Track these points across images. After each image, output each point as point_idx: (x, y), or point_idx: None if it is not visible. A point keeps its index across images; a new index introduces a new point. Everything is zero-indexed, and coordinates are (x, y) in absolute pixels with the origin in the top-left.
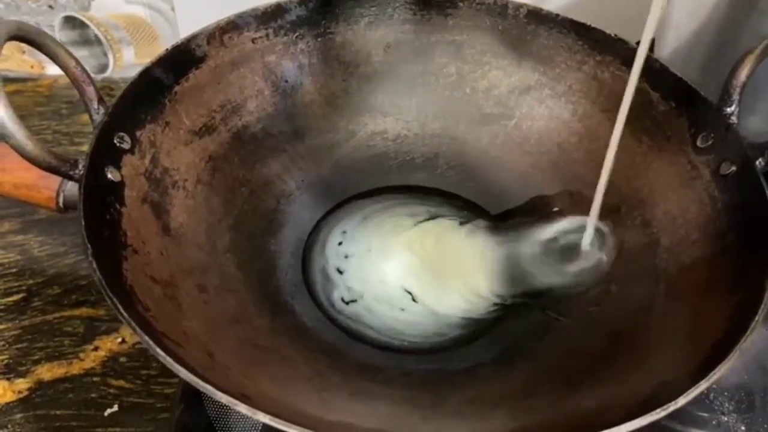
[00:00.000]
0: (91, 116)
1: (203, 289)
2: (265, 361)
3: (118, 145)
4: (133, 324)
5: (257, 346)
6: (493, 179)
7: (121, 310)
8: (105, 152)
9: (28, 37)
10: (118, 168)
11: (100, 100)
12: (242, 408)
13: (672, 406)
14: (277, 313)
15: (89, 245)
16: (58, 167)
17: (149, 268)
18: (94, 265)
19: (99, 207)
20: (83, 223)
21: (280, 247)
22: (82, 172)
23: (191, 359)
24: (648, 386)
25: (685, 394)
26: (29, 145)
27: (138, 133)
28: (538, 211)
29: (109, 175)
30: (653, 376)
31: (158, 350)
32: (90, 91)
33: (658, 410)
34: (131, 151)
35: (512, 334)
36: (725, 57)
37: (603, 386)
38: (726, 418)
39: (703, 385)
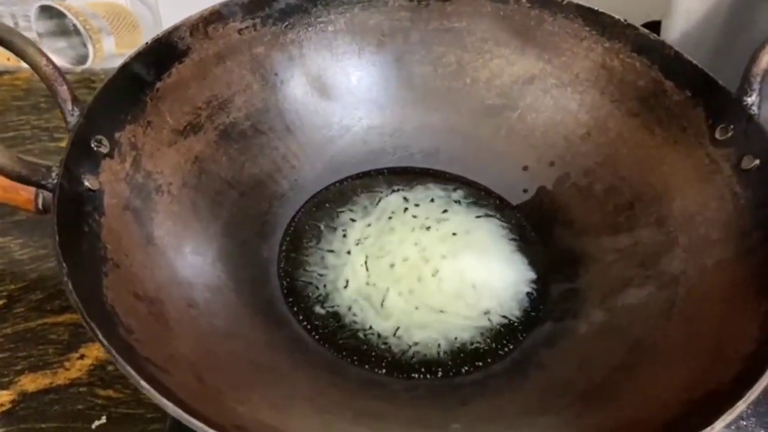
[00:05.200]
0: (65, 118)
1: (192, 304)
2: (262, 382)
3: (95, 149)
4: (113, 352)
5: (252, 363)
6: (497, 174)
7: (100, 336)
8: (81, 158)
9: None
10: (96, 174)
11: (75, 100)
12: None
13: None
14: (272, 326)
15: (64, 263)
16: (29, 177)
17: (132, 283)
18: (70, 286)
19: (75, 218)
20: (57, 239)
21: (273, 252)
22: (55, 181)
23: (179, 386)
24: (676, 403)
25: (722, 418)
26: None
27: (117, 135)
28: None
29: (86, 183)
30: (681, 391)
31: (142, 382)
32: (63, 90)
33: None
34: (110, 155)
35: (523, 342)
36: (740, 41)
37: (624, 401)
38: (745, 422)
39: (740, 406)
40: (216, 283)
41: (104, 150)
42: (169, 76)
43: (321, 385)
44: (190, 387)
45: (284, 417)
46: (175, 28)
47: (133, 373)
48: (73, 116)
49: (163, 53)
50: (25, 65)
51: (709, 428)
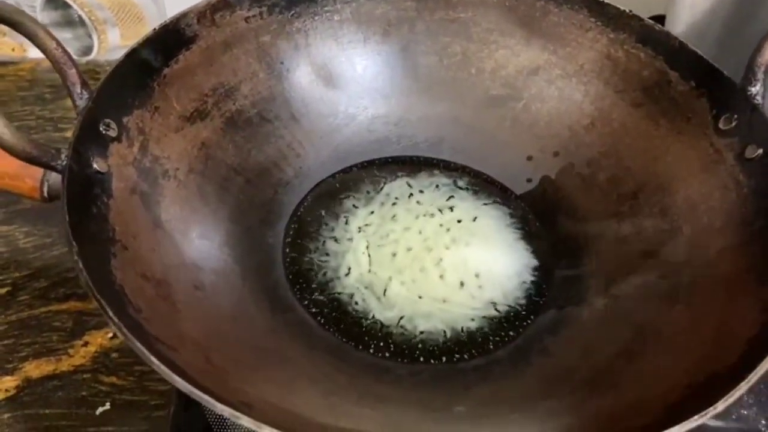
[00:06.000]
0: (74, 102)
1: (199, 286)
2: (267, 364)
3: (103, 132)
4: (124, 329)
5: (258, 346)
6: (501, 164)
7: (111, 313)
8: (90, 140)
9: (3, 16)
10: (105, 157)
11: (84, 84)
12: (245, 421)
13: (711, 411)
14: (277, 310)
15: (74, 242)
16: (40, 157)
17: (140, 265)
18: (80, 264)
19: (84, 200)
20: (67, 218)
21: (278, 239)
22: (65, 162)
23: (187, 365)
24: (678, 387)
25: (724, 398)
26: (7, 133)
27: (125, 120)
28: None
29: (95, 165)
30: (684, 375)
31: (152, 358)
32: (72, 74)
33: (695, 417)
34: (118, 138)
35: (527, 329)
36: (743, 33)
37: (626, 386)
38: (746, 411)
39: (743, 387)
40: (222, 267)
41: (112, 134)
42: (176, 63)
43: (325, 369)
44: (198, 366)
45: (289, 397)
46: (183, 15)
47: (144, 350)
48: (82, 100)
49: (170, 40)
50: (29, 55)
51: (711, 408)
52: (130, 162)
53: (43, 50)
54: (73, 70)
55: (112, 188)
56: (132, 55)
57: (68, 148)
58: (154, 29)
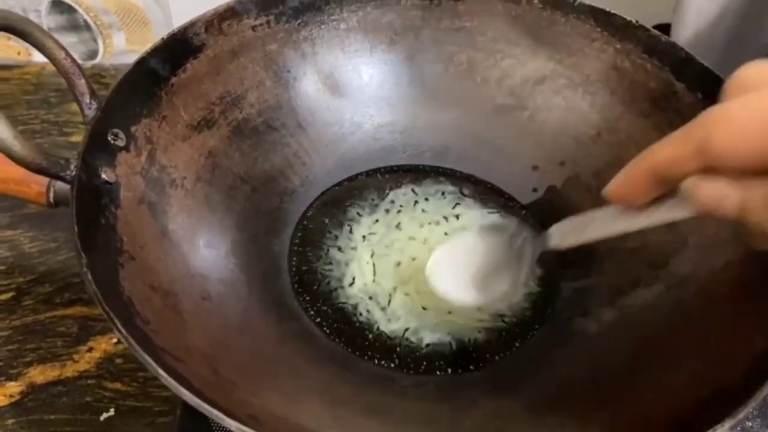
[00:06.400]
0: (82, 111)
1: (206, 296)
2: (273, 374)
3: (112, 142)
4: (132, 341)
5: (264, 356)
6: (507, 173)
7: (119, 325)
8: (98, 150)
9: (13, 26)
10: (113, 167)
11: (92, 94)
12: None
13: (718, 428)
14: (283, 319)
15: (83, 254)
16: (49, 168)
17: (148, 275)
18: (89, 276)
19: (93, 210)
20: (76, 230)
21: (284, 247)
22: (74, 173)
23: (194, 376)
24: (685, 401)
25: (731, 416)
26: (16, 145)
27: (133, 129)
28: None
29: (103, 176)
30: (690, 389)
31: (160, 370)
32: (81, 84)
33: None
34: (126, 148)
35: (533, 341)
36: (749, 42)
37: (633, 399)
38: (750, 423)
39: (750, 404)
40: (229, 277)
41: (120, 143)
42: (183, 72)
43: (331, 379)
44: (205, 378)
45: (295, 409)
46: (191, 24)
47: (151, 362)
48: (91, 109)
49: (178, 49)
50: (35, 59)
51: (719, 426)
52: (138, 171)
53: (52, 60)
54: (82, 80)
55: (120, 198)
56: (140, 64)
57: (77, 159)
58: (162, 38)
